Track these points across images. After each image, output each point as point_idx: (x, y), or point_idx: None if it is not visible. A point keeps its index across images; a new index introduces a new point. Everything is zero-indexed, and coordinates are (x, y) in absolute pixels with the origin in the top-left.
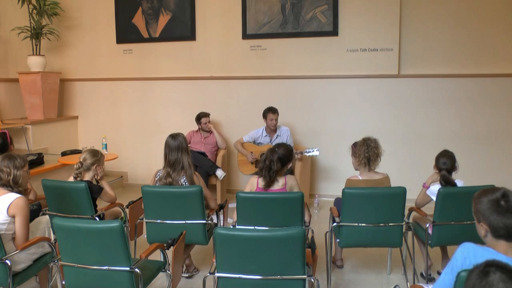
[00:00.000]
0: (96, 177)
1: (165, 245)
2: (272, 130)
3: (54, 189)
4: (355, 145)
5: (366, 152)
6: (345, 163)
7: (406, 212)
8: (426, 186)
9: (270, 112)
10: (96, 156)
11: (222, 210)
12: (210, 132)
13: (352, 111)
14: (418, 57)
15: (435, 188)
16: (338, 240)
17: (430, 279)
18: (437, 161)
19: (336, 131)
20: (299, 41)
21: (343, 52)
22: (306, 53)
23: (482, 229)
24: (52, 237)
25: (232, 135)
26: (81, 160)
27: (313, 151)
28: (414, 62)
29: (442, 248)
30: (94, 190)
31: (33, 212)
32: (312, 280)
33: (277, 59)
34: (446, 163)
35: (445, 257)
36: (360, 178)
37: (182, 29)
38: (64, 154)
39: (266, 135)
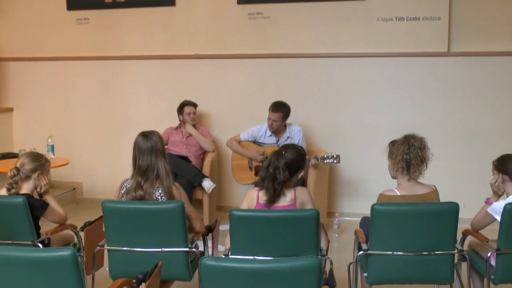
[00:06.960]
0: (38, 189)
1: (134, 281)
2: (273, 131)
3: None
4: (393, 144)
5: (406, 153)
6: (376, 171)
7: (459, 236)
8: (489, 202)
9: (270, 109)
10: (39, 160)
11: (210, 234)
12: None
13: (384, 102)
14: (475, 29)
15: (500, 204)
16: (365, 274)
17: None
18: (503, 165)
19: (364, 129)
20: (313, 7)
21: (372, 22)
22: (322, 23)
23: None
24: None
25: (223, 132)
26: (17, 165)
27: (333, 157)
28: (469, 35)
29: None
30: (36, 207)
31: None
32: None
33: (284, 31)
34: None
35: None
36: (398, 193)
37: None
38: None
39: (270, 135)
